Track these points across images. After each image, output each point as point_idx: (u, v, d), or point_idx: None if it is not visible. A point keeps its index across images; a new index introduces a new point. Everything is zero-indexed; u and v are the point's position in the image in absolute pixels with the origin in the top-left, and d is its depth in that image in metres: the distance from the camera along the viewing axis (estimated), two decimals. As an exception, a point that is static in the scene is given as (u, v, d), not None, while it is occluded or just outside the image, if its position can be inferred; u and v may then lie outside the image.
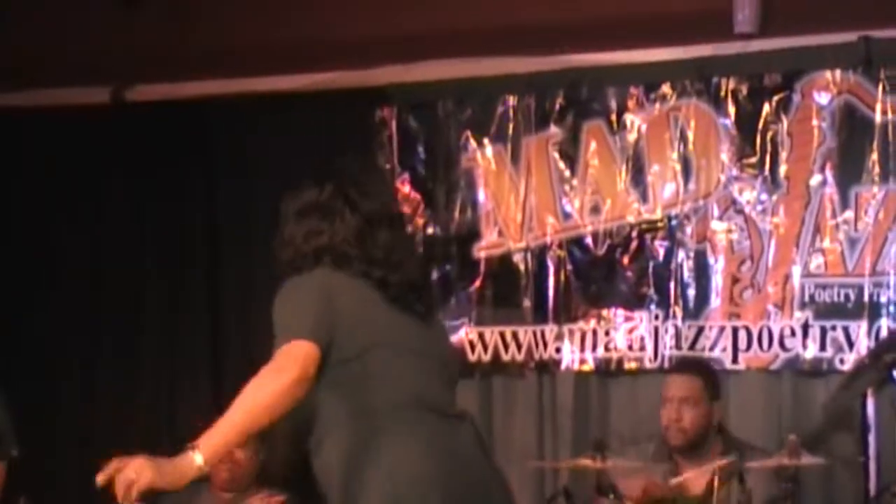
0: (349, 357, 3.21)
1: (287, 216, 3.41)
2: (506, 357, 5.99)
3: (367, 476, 3.17)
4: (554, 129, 6.01)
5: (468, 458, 3.26)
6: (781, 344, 5.64)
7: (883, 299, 5.53)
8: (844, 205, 5.62)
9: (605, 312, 5.90)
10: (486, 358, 5.99)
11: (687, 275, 5.81)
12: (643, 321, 5.85)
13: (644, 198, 5.89)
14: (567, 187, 5.99)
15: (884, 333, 5.47)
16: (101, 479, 3.11)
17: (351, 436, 3.20)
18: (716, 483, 5.06)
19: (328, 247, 3.32)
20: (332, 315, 3.21)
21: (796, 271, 5.66)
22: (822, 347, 5.59)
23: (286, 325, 3.19)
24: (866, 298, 5.55)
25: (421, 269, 3.49)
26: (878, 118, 5.59)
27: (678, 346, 5.77)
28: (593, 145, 5.96)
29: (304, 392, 3.11)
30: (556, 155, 6.01)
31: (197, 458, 3.10)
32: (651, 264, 5.86)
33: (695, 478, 5.22)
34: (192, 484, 5.07)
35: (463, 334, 6.02)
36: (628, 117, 5.92)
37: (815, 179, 5.67)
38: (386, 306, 3.30)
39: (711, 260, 5.78)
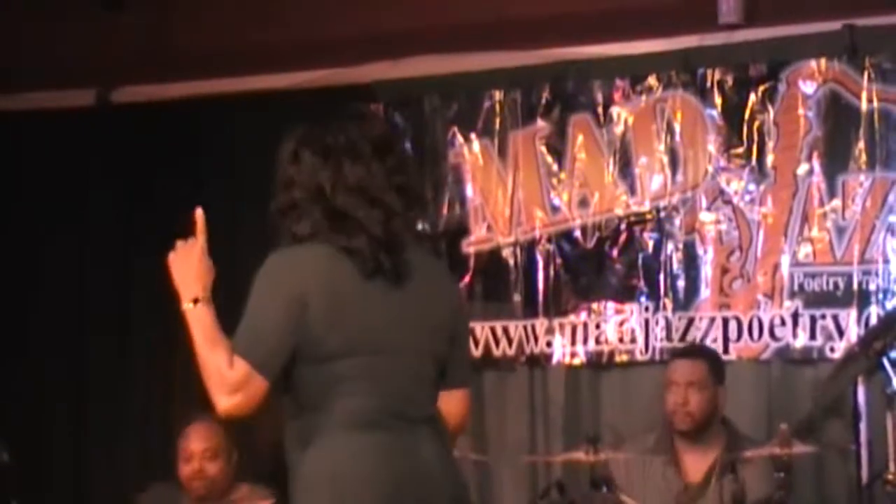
0: (318, 360, 3.10)
1: (279, 158, 3.26)
2: (497, 352, 5.99)
3: (312, 480, 3.09)
4: (540, 122, 6.01)
5: (423, 471, 3.13)
6: (772, 333, 5.65)
7: (872, 287, 5.54)
8: (832, 193, 5.63)
9: (595, 305, 5.91)
10: (477, 353, 5.98)
11: (676, 266, 5.81)
12: (633, 313, 5.85)
13: (632, 190, 5.89)
14: (555, 181, 5.99)
15: (873, 321, 5.47)
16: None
17: (304, 437, 3.12)
18: (714, 473, 5.10)
19: (300, 199, 3.16)
20: (297, 328, 3.07)
21: (785, 261, 5.66)
22: (812, 336, 5.60)
23: (245, 336, 3.09)
24: (855, 286, 5.56)
25: (409, 202, 3.24)
26: (863, 106, 5.59)
27: (669, 338, 5.77)
28: (580, 138, 5.97)
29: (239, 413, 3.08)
30: (544, 149, 6.01)
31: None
32: (640, 256, 5.87)
33: (694, 465, 5.25)
34: (171, 497, 5.09)
35: (453, 330, 6.01)
36: (615, 110, 5.92)
37: (803, 168, 5.68)
38: (364, 294, 3.11)
39: (700, 251, 5.79)
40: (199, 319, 3.17)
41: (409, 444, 3.14)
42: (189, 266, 3.27)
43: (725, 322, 5.70)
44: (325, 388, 3.12)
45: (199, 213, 3.34)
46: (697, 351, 5.53)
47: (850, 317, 5.55)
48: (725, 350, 5.67)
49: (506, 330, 5.97)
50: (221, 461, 5.24)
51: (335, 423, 3.11)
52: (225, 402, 3.09)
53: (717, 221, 5.77)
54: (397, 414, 3.14)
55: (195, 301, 3.19)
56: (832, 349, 5.56)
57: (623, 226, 5.89)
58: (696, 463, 5.29)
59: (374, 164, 3.20)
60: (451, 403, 3.28)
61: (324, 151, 3.20)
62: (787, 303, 5.64)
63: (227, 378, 3.08)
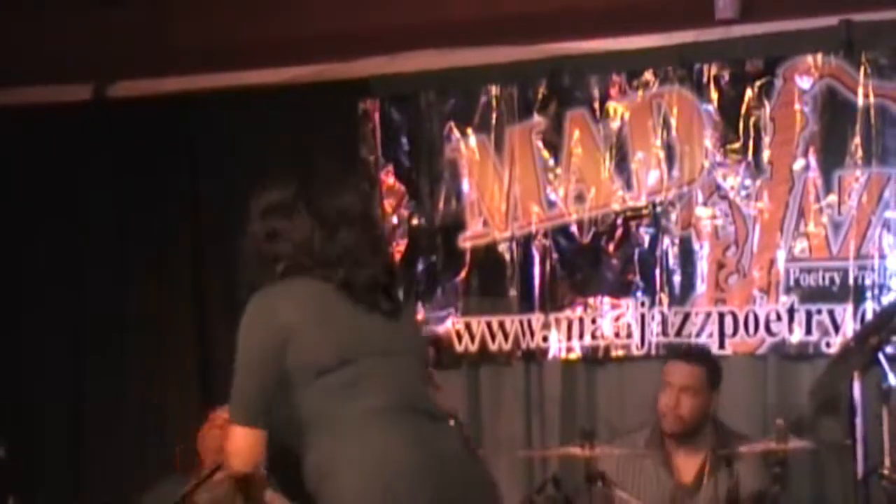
0: (319, 375, 3.29)
1: (252, 215, 3.49)
2: (493, 347, 5.99)
3: (355, 478, 3.23)
4: (537, 118, 6.01)
5: (454, 458, 3.30)
6: (767, 328, 5.66)
7: (868, 282, 5.55)
8: (828, 188, 5.64)
9: (591, 300, 5.91)
10: (473, 348, 6.00)
11: (672, 261, 5.82)
12: (629, 308, 5.85)
13: (628, 185, 5.89)
14: (551, 176, 5.99)
15: (869, 316, 5.48)
16: None
17: (336, 441, 3.27)
18: (706, 471, 5.10)
19: (285, 254, 3.39)
20: (284, 359, 3.30)
21: (781, 256, 5.67)
22: (808, 331, 5.61)
23: (233, 397, 3.38)
24: (851, 282, 5.56)
25: (389, 269, 3.50)
26: (860, 101, 5.60)
27: (665, 333, 5.78)
28: (577, 134, 5.97)
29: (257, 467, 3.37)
30: (540, 144, 6.01)
31: None
32: (636, 251, 5.87)
33: (685, 465, 5.25)
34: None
35: (449, 325, 6.03)
36: (611, 105, 5.93)
37: (799, 164, 5.68)
38: (351, 311, 3.34)
39: (696, 246, 5.79)
40: None
41: (440, 442, 3.30)
42: None
43: (721, 317, 5.71)
44: (336, 399, 3.28)
45: None
46: (696, 355, 5.48)
47: (846, 312, 5.56)
48: (721, 345, 5.68)
49: (502, 325, 5.98)
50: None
51: (359, 426, 3.26)
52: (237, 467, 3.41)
53: (714, 216, 5.77)
54: (414, 408, 3.31)
55: None
56: (828, 344, 5.57)
57: (619, 221, 5.89)
58: (687, 463, 5.29)
59: (364, 233, 3.44)
60: None
61: (325, 213, 3.41)
62: (783, 298, 5.65)
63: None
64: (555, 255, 5.96)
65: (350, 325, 3.34)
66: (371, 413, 3.26)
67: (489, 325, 6.00)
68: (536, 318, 5.94)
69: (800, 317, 5.62)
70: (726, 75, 5.78)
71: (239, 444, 3.36)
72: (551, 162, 5.99)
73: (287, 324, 3.30)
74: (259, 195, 3.49)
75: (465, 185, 6.09)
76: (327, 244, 3.37)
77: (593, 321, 5.89)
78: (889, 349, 5.02)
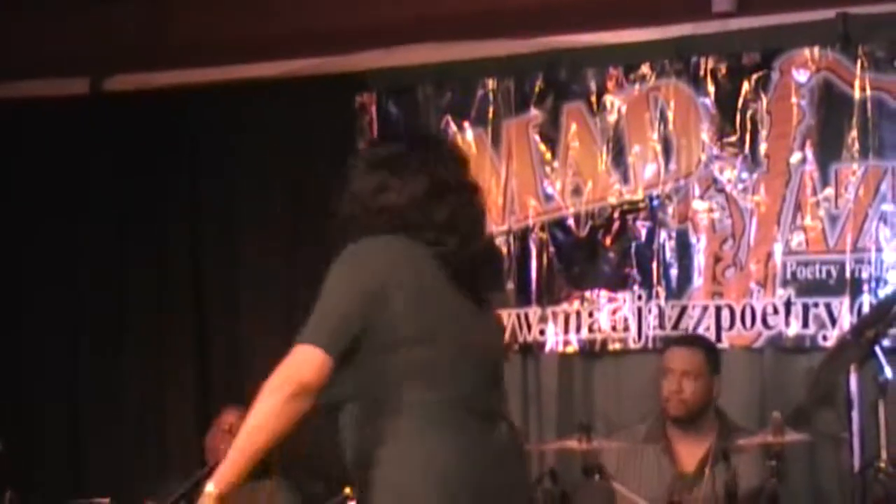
0: (396, 345, 3.12)
1: (357, 169, 3.27)
2: (490, 340, 5.98)
3: (399, 474, 3.12)
4: (534, 111, 6.01)
5: (502, 465, 3.19)
6: (764, 322, 5.65)
7: (864, 275, 5.55)
8: (825, 182, 5.63)
9: (588, 294, 5.91)
10: (471, 341, 5.99)
11: (669, 255, 5.82)
12: (626, 302, 5.85)
13: (625, 179, 5.90)
14: (548, 169, 5.99)
15: (866, 309, 5.48)
16: None
17: (386, 431, 3.13)
18: (708, 462, 5.10)
19: (395, 206, 3.18)
20: (374, 308, 3.09)
21: (778, 249, 5.67)
22: (805, 324, 5.61)
23: (310, 322, 3.10)
24: (848, 275, 5.56)
25: (490, 244, 3.36)
26: (856, 95, 5.59)
27: (662, 326, 5.78)
28: (573, 127, 5.97)
29: (306, 404, 3.04)
30: (537, 137, 6.01)
31: (208, 486, 3.06)
32: (633, 245, 5.87)
33: (688, 455, 5.25)
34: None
35: (447, 318, 6.02)
36: (608, 98, 5.93)
37: (795, 157, 5.68)
38: (445, 288, 3.15)
39: (693, 239, 5.79)
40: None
41: (490, 447, 3.18)
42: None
43: (718, 310, 5.71)
44: (399, 378, 3.12)
45: None
46: (694, 340, 5.53)
47: (842, 305, 5.55)
48: (718, 338, 5.68)
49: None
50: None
51: (418, 421, 3.12)
52: (283, 394, 3.07)
53: (710, 210, 5.77)
54: (472, 408, 3.16)
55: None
56: (825, 337, 5.57)
57: (616, 214, 5.89)
58: (690, 452, 5.30)
59: (471, 203, 3.27)
60: None
61: (438, 176, 3.23)
62: (779, 291, 5.65)
63: (279, 382, 3.06)
64: (552, 249, 5.96)
65: (440, 303, 3.15)
66: (431, 408, 3.11)
67: (486, 318, 5.99)
68: (533, 312, 5.94)
69: (796, 310, 5.62)
70: (723, 68, 5.77)
71: (299, 357, 3.04)
72: (548, 155, 5.99)
73: (388, 280, 3.10)
74: (363, 150, 3.32)
75: (462, 179, 6.08)
76: (441, 206, 3.17)
77: (590, 314, 5.89)
78: (885, 342, 5.02)
